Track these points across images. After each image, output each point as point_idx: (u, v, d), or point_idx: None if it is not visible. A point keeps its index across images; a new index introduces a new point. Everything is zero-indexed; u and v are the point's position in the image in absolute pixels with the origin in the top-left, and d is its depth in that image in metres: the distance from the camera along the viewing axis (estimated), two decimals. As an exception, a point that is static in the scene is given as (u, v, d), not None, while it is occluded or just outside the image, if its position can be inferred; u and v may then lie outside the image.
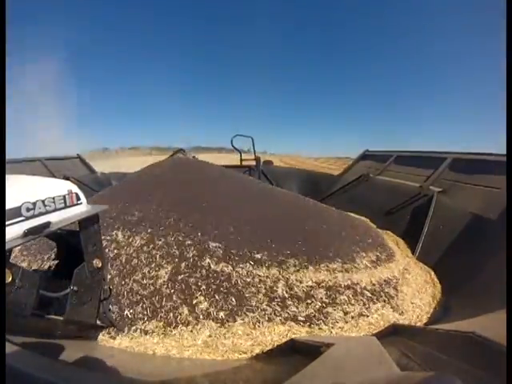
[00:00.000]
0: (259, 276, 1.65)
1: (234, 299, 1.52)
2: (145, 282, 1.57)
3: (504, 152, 2.55)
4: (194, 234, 1.87)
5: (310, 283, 1.67)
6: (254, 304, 1.51)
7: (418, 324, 1.60)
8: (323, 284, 1.69)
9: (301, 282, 1.67)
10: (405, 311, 1.67)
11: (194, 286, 1.56)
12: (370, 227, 2.96)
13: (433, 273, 2.20)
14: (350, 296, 1.65)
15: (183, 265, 1.66)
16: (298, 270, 1.74)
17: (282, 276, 1.68)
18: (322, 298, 1.60)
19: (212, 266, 1.66)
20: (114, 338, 1.34)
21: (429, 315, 1.69)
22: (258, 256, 1.77)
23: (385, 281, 1.87)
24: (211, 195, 2.49)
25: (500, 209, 2.22)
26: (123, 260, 1.68)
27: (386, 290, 1.78)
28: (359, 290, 1.71)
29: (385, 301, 1.70)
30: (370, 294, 1.70)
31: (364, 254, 2.06)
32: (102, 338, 1.34)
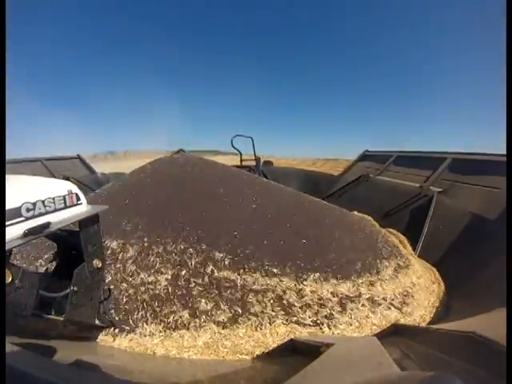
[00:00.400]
0: (268, 285, 1.60)
1: (238, 307, 1.49)
2: (143, 288, 1.54)
3: (504, 152, 2.56)
4: (197, 244, 1.79)
5: (325, 294, 1.61)
6: (258, 310, 1.49)
7: (422, 324, 1.59)
8: (341, 296, 1.63)
9: (314, 292, 1.61)
10: (410, 312, 1.66)
11: (195, 292, 1.54)
12: (380, 230, 2.87)
13: (437, 272, 2.19)
14: (367, 304, 1.62)
15: (184, 272, 1.63)
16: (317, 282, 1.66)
17: (295, 286, 1.62)
18: (333, 307, 1.56)
19: (215, 274, 1.63)
20: (114, 339, 1.34)
21: (432, 315, 1.68)
22: (275, 270, 1.67)
23: (406, 291, 1.83)
24: (215, 197, 2.36)
25: (500, 209, 2.22)
26: (121, 266, 1.65)
27: (406, 301, 1.74)
28: (379, 301, 1.66)
29: (399, 308, 1.66)
30: (387, 304, 1.66)
31: (387, 264, 1.99)
32: (102, 338, 1.34)
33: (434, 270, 2.23)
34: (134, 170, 3.26)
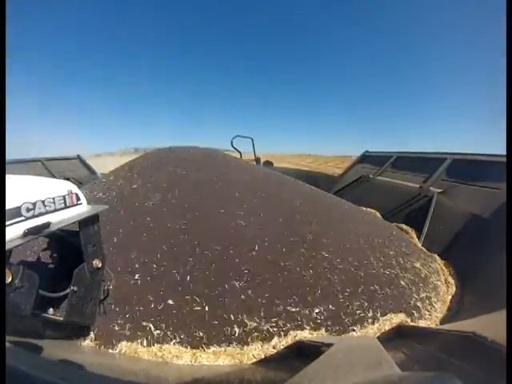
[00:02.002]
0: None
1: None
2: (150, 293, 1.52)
3: (503, 152, 2.56)
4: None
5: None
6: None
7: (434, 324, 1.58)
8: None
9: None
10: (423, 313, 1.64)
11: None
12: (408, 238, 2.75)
13: (449, 270, 2.17)
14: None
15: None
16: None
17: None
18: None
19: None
20: (114, 339, 1.33)
21: (447, 312, 1.68)
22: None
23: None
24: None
25: (500, 209, 2.23)
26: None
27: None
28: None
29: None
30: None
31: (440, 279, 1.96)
32: (102, 338, 1.34)
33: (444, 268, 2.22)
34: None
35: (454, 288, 1.94)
